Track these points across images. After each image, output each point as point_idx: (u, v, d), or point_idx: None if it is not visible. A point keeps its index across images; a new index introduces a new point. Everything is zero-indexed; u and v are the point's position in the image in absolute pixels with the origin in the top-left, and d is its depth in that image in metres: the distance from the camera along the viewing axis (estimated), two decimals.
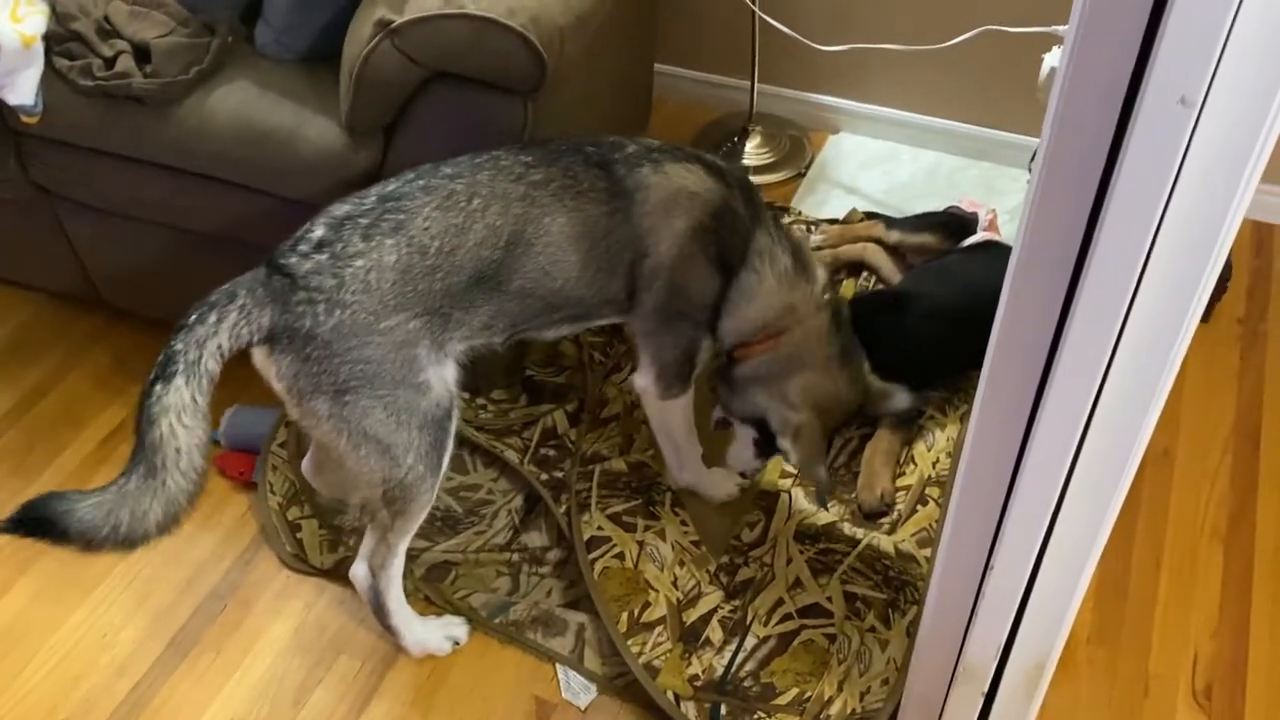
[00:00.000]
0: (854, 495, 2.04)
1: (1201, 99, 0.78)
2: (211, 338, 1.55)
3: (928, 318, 2.13)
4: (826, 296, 1.88)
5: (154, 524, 1.59)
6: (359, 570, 1.80)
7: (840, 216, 2.62)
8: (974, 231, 2.35)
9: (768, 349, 1.86)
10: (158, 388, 1.53)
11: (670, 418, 1.97)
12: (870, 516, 2.01)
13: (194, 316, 1.56)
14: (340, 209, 1.63)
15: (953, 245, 2.35)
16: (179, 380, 1.53)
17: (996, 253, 2.26)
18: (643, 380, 1.91)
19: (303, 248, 1.60)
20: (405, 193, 1.64)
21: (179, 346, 1.55)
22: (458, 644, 1.87)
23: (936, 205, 2.64)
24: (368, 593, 1.81)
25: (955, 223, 2.40)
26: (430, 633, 1.86)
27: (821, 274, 1.89)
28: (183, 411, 1.54)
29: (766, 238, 1.82)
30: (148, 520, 1.58)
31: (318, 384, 1.59)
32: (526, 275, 1.70)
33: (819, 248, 2.51)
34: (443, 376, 1.67)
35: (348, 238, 1.60)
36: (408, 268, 1.60)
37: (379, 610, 1.82)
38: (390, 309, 1.59)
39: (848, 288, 2.45)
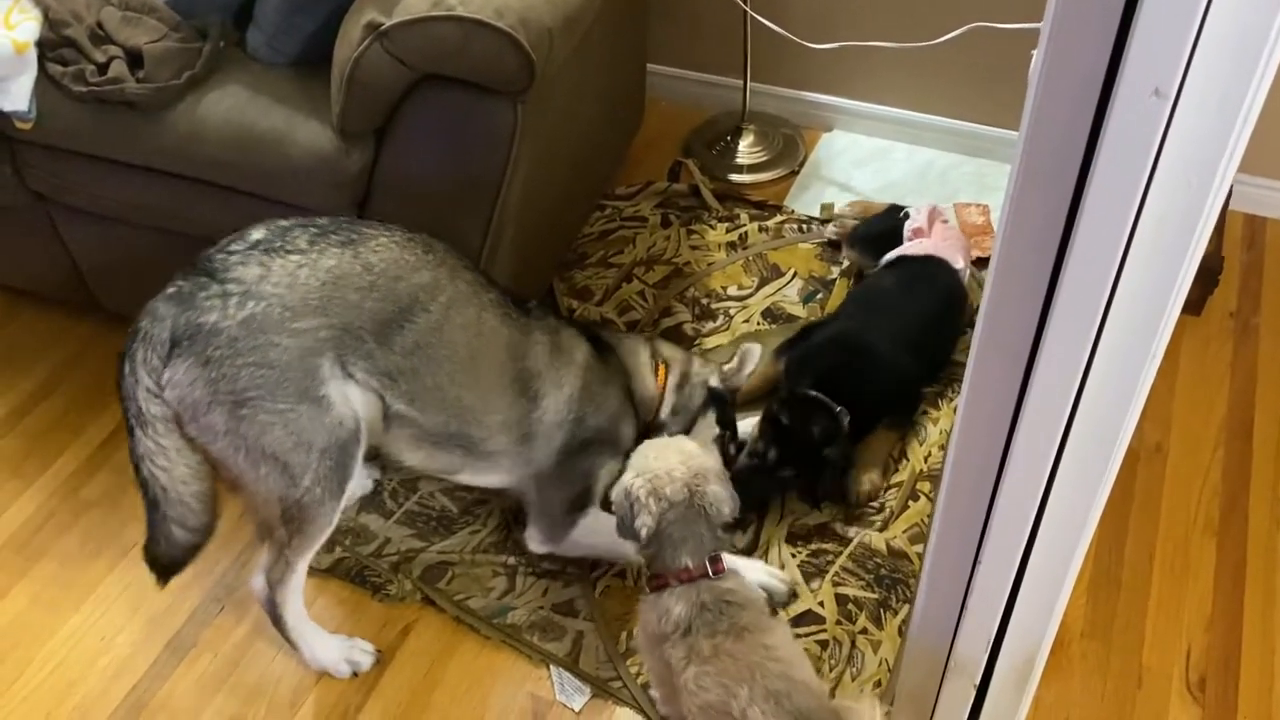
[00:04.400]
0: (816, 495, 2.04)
1: (1175, 91, 0.79)
2: (136, 386, 1.56)
3: (886, 361, 2.10)
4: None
5: (185, 545, 1.67)
6: (256, 583, 1.79)
7: (834, 213, 2.63)
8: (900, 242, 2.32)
9: None
10: (131, 436, 1.59)
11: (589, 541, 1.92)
12: (861, 505, 2.02)
13: (123, 364, 1.57)
14: (287, 220, 1.65)
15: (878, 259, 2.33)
16: (138, 432, 1.58)
17: (908, 271, 2.25)
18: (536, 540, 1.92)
19: (235, 246, 1.60)
20: (363, 222, 1.70)
21: (123, 403, 1.58)
22: (357, 671, 1.84)
23: (930, 201, 2.64)
24: (264, 605, 1.79)
25: (885, 235, 2.35)
26: (329, 652, 1.83)
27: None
28: (154, 456, 1.59)
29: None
30: (176, 542, 1.66)
31: (215, 393, 1.55)
32: (446, 346, 1.70)
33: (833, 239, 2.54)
34: (345, 395, 1.63)
35: (291, 239, 1.60)
36: (344, 274, 1.60)
37: (276, 623, 1.80)
38: (309, 310, 1.57)
39: (840, 287, 2.45)
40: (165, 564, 1.68)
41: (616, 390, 1.92)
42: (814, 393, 1.98)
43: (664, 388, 1.97)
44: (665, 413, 1.97)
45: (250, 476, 1.64)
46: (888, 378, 2.08)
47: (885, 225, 2.39)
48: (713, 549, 1.56)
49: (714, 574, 1.54)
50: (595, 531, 1.87)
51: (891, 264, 2.29)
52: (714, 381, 2.00)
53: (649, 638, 1.57)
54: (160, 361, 1.55)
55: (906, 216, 2.35)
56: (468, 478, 1.89)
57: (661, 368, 1.98)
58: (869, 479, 2.03)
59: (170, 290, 1.58)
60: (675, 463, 1.55)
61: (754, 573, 1.88)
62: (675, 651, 1.50)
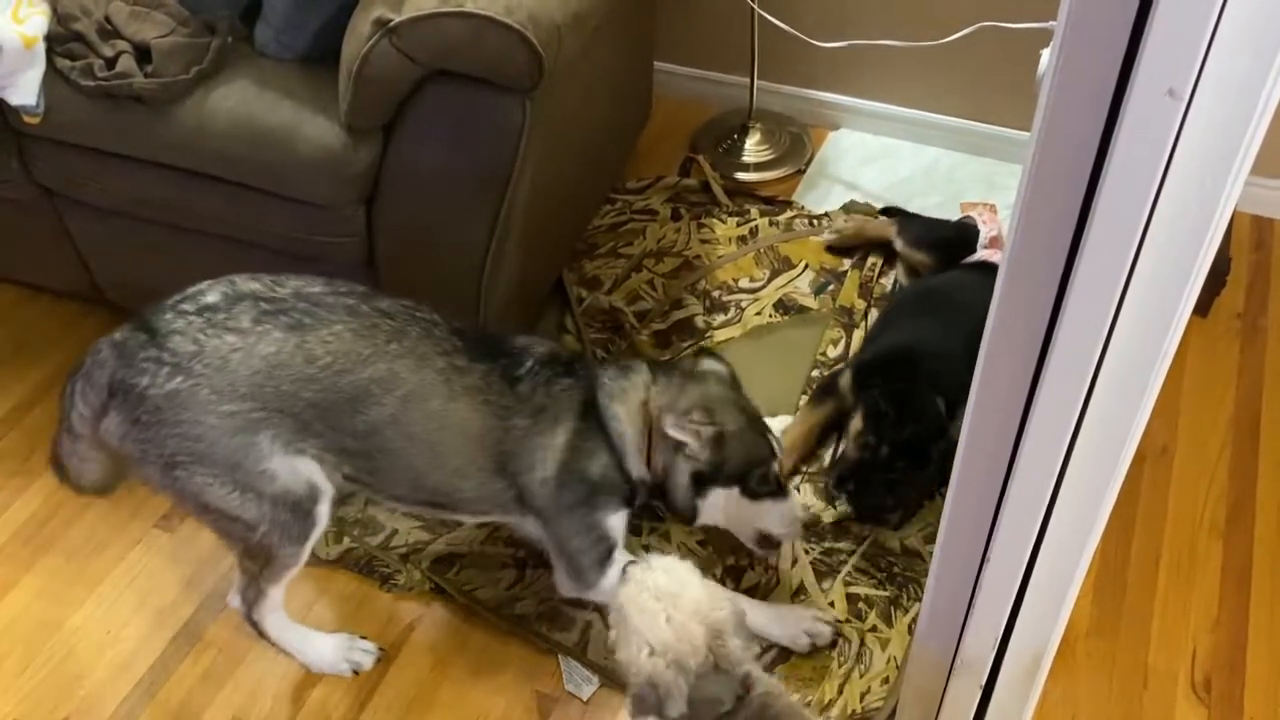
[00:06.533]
0: (825, 487, 2.04)
1: (1190, 91, 0.79)
2: (72, 409, 1.60)
3: (937, 373, 2.01)
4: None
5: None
6: (234, 601, 1.80)
7: (840, 208, 2.64)
8: (974, 250, 2.33)
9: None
10: (59, 430, 1.64)
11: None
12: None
13: (66, 385, 1.60)
14: (247, 285, 1.59)
15: (950, 264, 2.32)
16: (65, 436, 1.63)
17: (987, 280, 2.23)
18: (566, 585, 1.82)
19: (185, 306, 1.57)
20: (327, 303, 1.60)
21: (62, 411, 1.62)
22: (358, 671, 1.83)
23: (937, 200, 2.65)
24: (245, 621, 1.79)
25: (959, 240, 2.36)
26: (328, 654, 1.83)
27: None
28: (69, 455, 1.67)
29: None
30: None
31: (145, 453, 1.55)
32: (404, 438, 1.64)
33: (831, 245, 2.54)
34: (293, 467, 1.59)
35: (237, 314, 1.55)
36: (282, 364, 1.55)
37: (263, 637, 1.80)
38: (237, 396, 1.53)
39: (852, 279, 2.45)
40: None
41: (602, 456, 1.76)
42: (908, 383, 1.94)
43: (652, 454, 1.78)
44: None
45: (203, 520, 1.64)
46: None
47: (952, 232, 2.40)
48: (741, 680, 1.42)
49: (746, 693, 1.42)
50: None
51: (970, 267, 2.27)
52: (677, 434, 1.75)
53: None
54: (97, 402, 1.56)
55: (971, 222, 2.38)
56: (461, 519, 1.90)
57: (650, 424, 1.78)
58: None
59: (117, 336, 1.58)
60: (693, 627, 1.38)
61: (804, 621, 1.83)
62: None
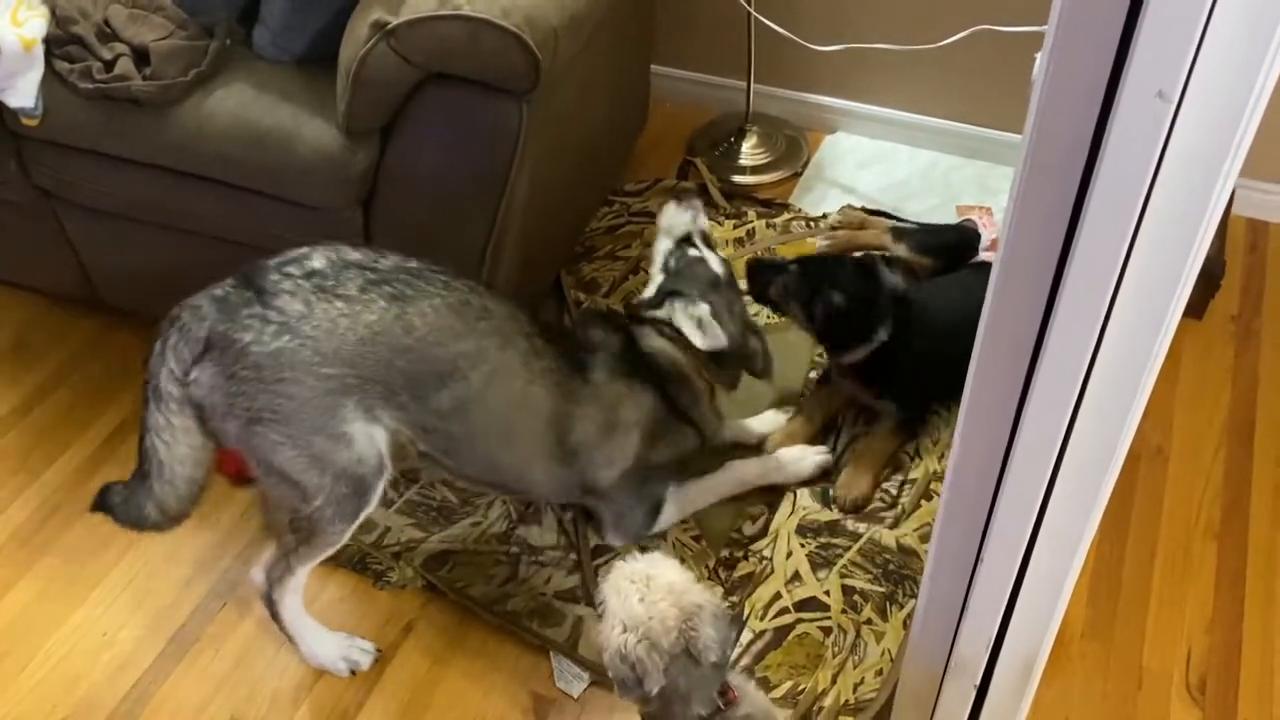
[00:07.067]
0: (833, 489, 2.05)
1: (1179, 93, 0.79)
2: (161, 366, 1.58)
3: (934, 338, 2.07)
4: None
5: (150, 520, 1.68)
6: (257, 576, 1.81)
7: (835, 212, 2.64)
8: (977, 253, 2.35)
9: None
10: (146, 407, 1.61)
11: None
12: (845, 511, 2.02)
13: (156, 342, 1.60)
14: (351, 254, 1.63)
15: (952, 267, 2.33)
16: (152, 405, 1.60)
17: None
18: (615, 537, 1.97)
19: (291, 269, 1.58)
20: (425, 277, 1.64)
21: (146, 375, 1.60)
22: (355, 670, 1.84)
23: (933, 203, 2.66)
24: (263, 598, 1.80)
25: (962, 245, 2.39)
26: (328, 650, 1.84)
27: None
28: (161, 430, 1.61)
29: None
30: (145, 514, 1.67)
31: (232, 406, 1.57)
32: (484, 415, 1.70)
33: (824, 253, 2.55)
34: (370, 435, 1.62)
35: (345, 281, 1.58)
36: (383, 332, 1.58)
37: (274, 617, 1.81)
38: (340, 360, 1.56)
39: None
40: (117, 515, 1.71)
41: (675, 428, 1.92)
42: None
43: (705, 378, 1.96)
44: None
45: (264, 481, 1.65)
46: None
47: (955, 237, 2.42)
48: (719, 683, 1.43)
49: (726, 706, 1.43)
50: (678, 513, 1.99)
51: (975, 266, 2.30)
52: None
53: None
54: (190, 356, 1.57)
55: (971, 225, 2.42)
56: (513, 497, 1.97)
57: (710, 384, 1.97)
58: (857, 486, 2.03)
59: (218, 292, 1.59)
60: (665, 606, 1.39)
61: (804, 464, 2.05)
62: None
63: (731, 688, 1.45)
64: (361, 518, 1.68)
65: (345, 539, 1.70)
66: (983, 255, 2.33)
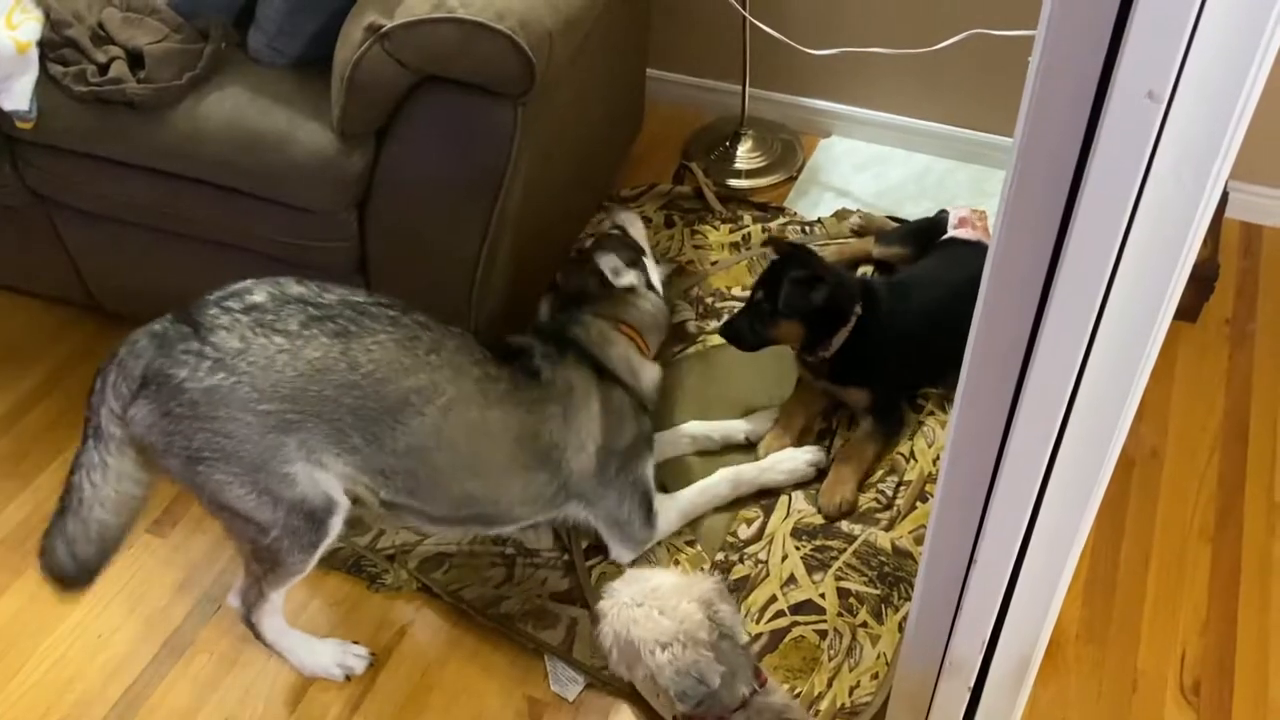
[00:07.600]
0: (816, 494, 2.06)
1: (1169, 93, 0.79)
2: (102, 404, 1.57)
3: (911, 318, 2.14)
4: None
5: (62, 566, 1.64)
6: (233, 602, 1.80)
7: (831, 215, 2.65)
8: (945, 231, 2.36)
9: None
10: (83, 444, 1.59)
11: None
12: (829, 519, 2.02)
13: (97, 379, 1.58)
14: (294, 288, 1.60)
15: (922, 251, 2.36)
16: (91, 442, 1.58)
17: (956, 252, 2.27)
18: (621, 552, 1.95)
19: (230, 303, 1.56)
20: (371, 313, 1.62)
21: (87, 412, 1.59)
22: (350, 675, 1.83)
23: (928, 207, 2.66)
24: (244, 622, 1.79)
25: (929, 227, 2.41)
26: (321, 658, 1.83)
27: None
28: (92, 468, 1.58)
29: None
30: (58, 557, 1.63)
31: (170, 444, 1.54)
32: (446, 448, 1.68)
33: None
34: (313, 478, 1.59)
35: (286, 316, 1.56)
36: (326, 369, 1.56)
37: (258, 639, 1.80)
38: (278, 397, 1.54)
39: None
40: (43, 563, 1.66)
41: (629, 403, 1.94)
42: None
43: (644, 351, 2.05)
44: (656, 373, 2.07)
45: (216, 517, 1.64)
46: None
47: (925, 222, 2.46)
48: (752, 664, 1.47)
49: (761, 687, 1.46)
50: (678, 519, 1.99)
51: (942, 245, 2.33)
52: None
53: None
54: (129, 393, 1.55)
55: (945, 214, 2.42)
56: (499, 533, 1.96)
57: (632, 334, 2.03)
58: (840, 492, 2.03)
59: (156, 328, 1.57)
60: (685, 606, 1.42)
61: (795, 461, 2.07)
62: None
63: (762, 670, 1.48)
64: (324, 546, 1.66)
65: (312, 565, 1.68)
66: (951, 232, 2.35)
